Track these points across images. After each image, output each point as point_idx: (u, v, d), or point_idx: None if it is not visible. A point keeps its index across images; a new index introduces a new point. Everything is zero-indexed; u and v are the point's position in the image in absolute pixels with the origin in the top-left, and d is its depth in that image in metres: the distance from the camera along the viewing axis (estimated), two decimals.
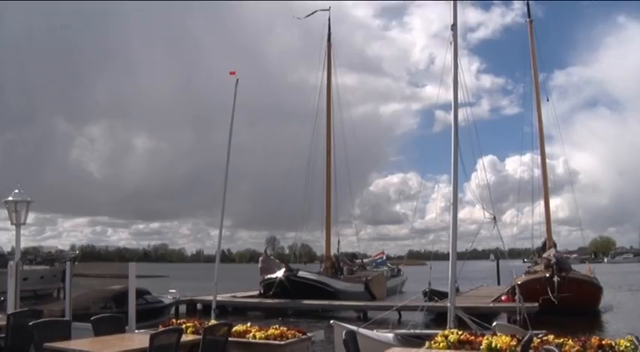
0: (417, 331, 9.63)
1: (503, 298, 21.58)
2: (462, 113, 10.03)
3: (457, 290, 20.38)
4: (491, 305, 20.42)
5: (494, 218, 9.66)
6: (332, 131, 33.24)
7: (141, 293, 16.90)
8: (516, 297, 10.31)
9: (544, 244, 26.31)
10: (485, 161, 11.81)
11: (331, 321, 9.11)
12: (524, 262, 27.41)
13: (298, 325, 15.09)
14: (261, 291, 26.96)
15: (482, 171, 10.70)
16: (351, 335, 7.35)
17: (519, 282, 18.69)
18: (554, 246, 25.96)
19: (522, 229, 30.00)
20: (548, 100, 28.01)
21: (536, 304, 18.90)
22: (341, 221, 37.13)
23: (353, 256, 36.98)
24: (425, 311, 15.97)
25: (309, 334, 9.00)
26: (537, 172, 27.56)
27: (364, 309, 22.19)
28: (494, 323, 8.03)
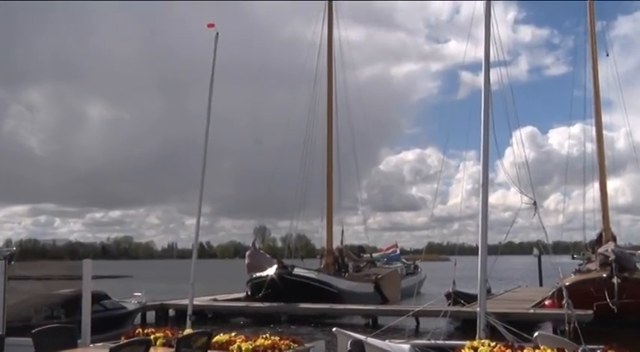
0: (439, 342, 9.65)
1: (546, 303, 21.59)
2: (494, 74, 9.94)
3: (488, 291, 20.31)
4: (532, 311, 20.50)
5: (535, 203, 9.59)
6: (334, 98, 33.18)
7: (98, 298, 16.96)
8: (564, 302, 10.26)
9: (599, 237, 25.82)
10: (523, 133, 11.71)
11: (334, 329, 9.12)
12: (573, 259, 27.18)
13: (294, 334, 15.14)
14: (249, 293, 27.10)
15: (520, 146, 10.60)
16: (358, 345, 7.35)
17: (568, 284, 18.60)
18: (614, 239, 25.20)
19: (570, 218, 29.96)
20: (607, 55, 27.29)
21: (590, 311, 18.77)
22: (345, 207, 37.30)
23: (360, 250, 37.11)
24: (448, 318, 16.08)
25: (307, 345, 9.01)
26: (591, 147, 26.95)
27: (374, 314, 22.33)
28: (535, 334, 8.03)
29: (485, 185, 9.41)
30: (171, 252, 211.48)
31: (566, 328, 10.00)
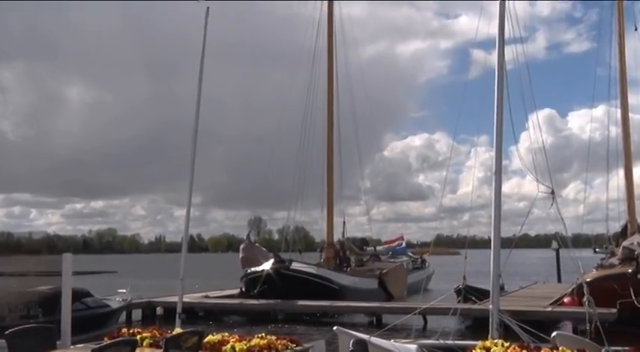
0: (448, 342, 9.68)
1: (566, 300, 21.62)
2: (509, 52, 9.90)
3: (502, 288, 20.34)
4: (550, 309, 20.57)
5: (552, 192, 9.60)
6: (334, 79, 33.08)
7: (79, 295, 16.96)
8: (585, 300, 10.25)
9: (624, 228, 25.65)
10: (541, 116, 11.69)
11: (334, 328, 9.14)
12: (595, 252, 27.07)
13: (291, 333, 15.17)
14: (243, 289, 27.18)
15: (536, 131, 10.59)
16: (361, 345, 7.38)
17: (589, 280, 18.51)
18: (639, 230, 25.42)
19: (592, 208, 29.90)
20: (636, 30, 26.82)
21: (614, 310, 18.73)
22: (347, 196, 37.32)
23: (363, 242, 37.17)
24: (458, 316, 16.12)
25: (305, 345, 9.06)
26: (615, 131, 26.57)
27: (378, 312, 22.41)
28: (553, 334, 8.05)
29: (499, 172, 9.40)
30: (159, 246, 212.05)
31: (587, 328, 10.01)
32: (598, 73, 28.75)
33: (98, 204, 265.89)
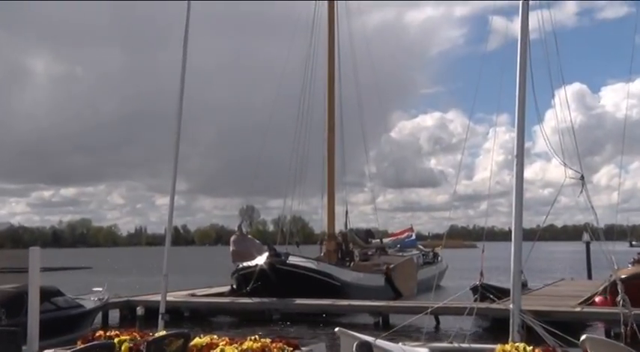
0: (464, 345, 9.71)
1: (597, 300, 21.67)
2: (533, 19, 9.82)
3: (524, 285, 20.30)
4: (579, 309, 20.61)
5: (582, 178, 9.58)
6: (336, 51, 32.94)
7: (48, 295, 16.96)
8: (619, 299, 10.23)
9: None
10: (569, 92, 11.62)
11: (336, 329, 9.16)
12: (631, 246, 27.08)
13: (288, 335, 15.20)
14: (234, 287, 27.26)
15: (564, 108, 10.54)
16: (366, 349, 7.38)
17: (624, 276, 18.53)
18: None
19: (627, 196, 29.79)
20: None
21: None
22: (350, 183, 37.34)
23: (368, 234, 37.23)
24: (475, 316, 16.12)
25: (304, 348, 9.07)
26: None
27: (384, 312, 22.48)
28: (583, 337, 8.05)
29: (521, 156, 9.38)
30: (139, 238, 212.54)
31: (622, 331, 10.02)
32: (637, 42, 28.46)
33: (69, 191, 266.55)
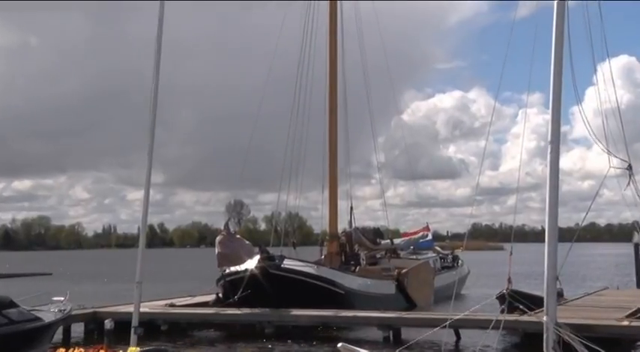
0: None
1: None
2: None
3: (560, 294, 20.25)
4: (626, 323, 20.58)
5: (630, 168, 9.58)
6: (339, 20, 32.93)
7: None
8: None
9: None
10: (614, 66, 11.55)
11: (339, 345, 9.20)
12: None
13: (283, 351, 15.17)
14: (220, 295, 27.26)
15: (608, 86, 10.52)
16: None
17: None
18: None
19: None
20: None
21: None
22: (355, 174, 37.47)
23: (376, 234, 37.25)
24: (502, 330, 16.16)
25: None
26: None
27: (395, 324, 22.49)
28: None
29: (556, 142, 9.38)
30: (108, 239, 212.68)
31: None
32: None
33: (24, 184, 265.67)
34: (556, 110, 9.35)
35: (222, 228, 29.85)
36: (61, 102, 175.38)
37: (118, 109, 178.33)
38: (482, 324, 14.96)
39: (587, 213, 11.20)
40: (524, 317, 17.49)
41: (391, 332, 22.13)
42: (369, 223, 38.33)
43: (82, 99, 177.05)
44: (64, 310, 20.99)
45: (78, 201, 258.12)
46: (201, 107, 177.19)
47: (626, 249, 38.60)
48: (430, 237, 40.27)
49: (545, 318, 9.25)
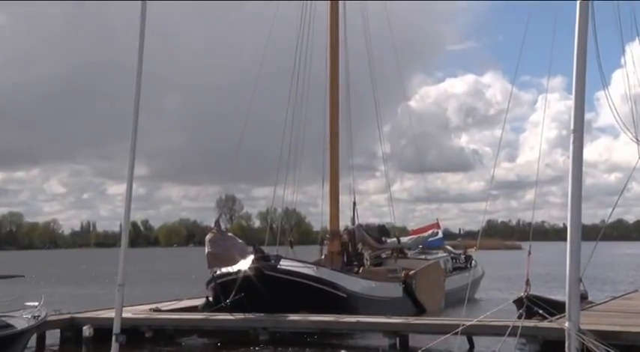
0: None
1: None
2: None
3: (584, 297, 20.22)
4: None
5: None
6: None
7: None
8: None
9: None
10: None
11: None
12: None
13: None
14: (210, 299, 27.29)
15: (638, 69, 10.51)
16: None
17: None
18: None
19: None
20: None
21: None
22: (358, 166, 37.39)
23: (381, 231, 37.21)
24: (519, 337, 16.20)
25: None
26: None
27: (403, 331, 22.53)
28: None
29: (580, 130, 9.38)
30: (87, 237, 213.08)
31: None
32: None
33: None
34: (580, 95, 9.35)
35: (212, 225, 29.90)
36: (34, 88, 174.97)
37: (97, 95, 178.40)
38: (497, 331, 14.97)
39: (613, 209, 11.24)
40: (544, 324, 17.51)
41: (398, 340, 22.16)
42: (374, 220, 38.42)
43: (58, 85, 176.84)
44: (38, 316, 21.01)
45: (53, 196, 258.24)
46: (190, 93, 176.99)
47: None
48: (440, 235, 40.23)
49: (567, 324, 9.27)
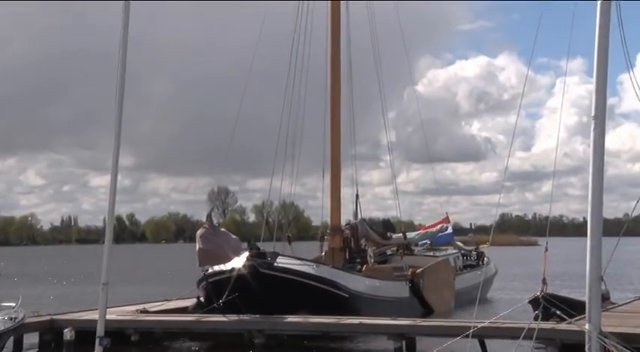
0: None
1: None
2: None
3: (605, 297, 20.29)
4: None
5: None
6: None
7: None
8: None
9: None
10: None
11: None
12: None
13: None
14: (201, 299, 27.32)
15: None
16: None
17: None
18: None
19: None
20: None
21: None
22: (361, 156, 37.35)
23: (386, 226, 37.29)
24: (535, 340, 16.21)
25: None
26: None
27: (409, 333, 22.58)
28: None
29: (602, 117, 9.36)
30: (67, 233, 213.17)
31: None
32: None
33: None
34: (601, 78, 9.33)
35: (203, 219, 29.90)
36: (8, 68, 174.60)
37: (78, 78, 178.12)
38: (512, 333, 15.00)
39: (638, 202, 11.16)
40: (563, 325, 17.54)
41: (404, 343, 22.19)
42: (378, 214, 38.48)
43: (34, 64, 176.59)
44: (16, 318, 21.07)
45: (31, 188, 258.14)
46: (180, 77, 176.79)
47: None
48: (450, 229, 40.31)
49: (587, 326, 9.27)
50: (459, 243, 42.07)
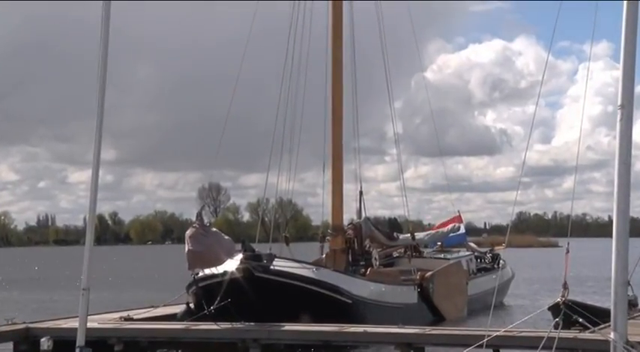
0: None
1: None
2: None
3: (632, 304, 20.32)
4: None
5: None
6: None
7: None
8: None
9: None
10: None
11: None
12: None
13: None
14: (191, 305, 27.36)
15: None
16: None
17: None
18: None
19: None
20: None
21: None
22: (365, 149, 37.34)
23: (393, 226, 37.42)
24: (555, 350, 16.25)
25: None
26: None
27: (418, 342, 22.60)
28: None
29: (630, 106, 9.36)
30: (44, 233, 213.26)
31: None
32: None
33: None
34: (629, 64, 9.32)
35: (193, 218, 29.93)
36: None
37: (54, 64, 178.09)
38: (530, 343, 15.00)
39: None
40: (585, 334, 17.56)
41: None
42: (383, 212, 38.60)
43: (5, 51, 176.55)
44: None
45: (3, 185, 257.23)
46: (166, 64, 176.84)
47: None
48: (463, 230, 40.35)
49: (612, 335, 9.28)
50: (472, 245, 42.11)
